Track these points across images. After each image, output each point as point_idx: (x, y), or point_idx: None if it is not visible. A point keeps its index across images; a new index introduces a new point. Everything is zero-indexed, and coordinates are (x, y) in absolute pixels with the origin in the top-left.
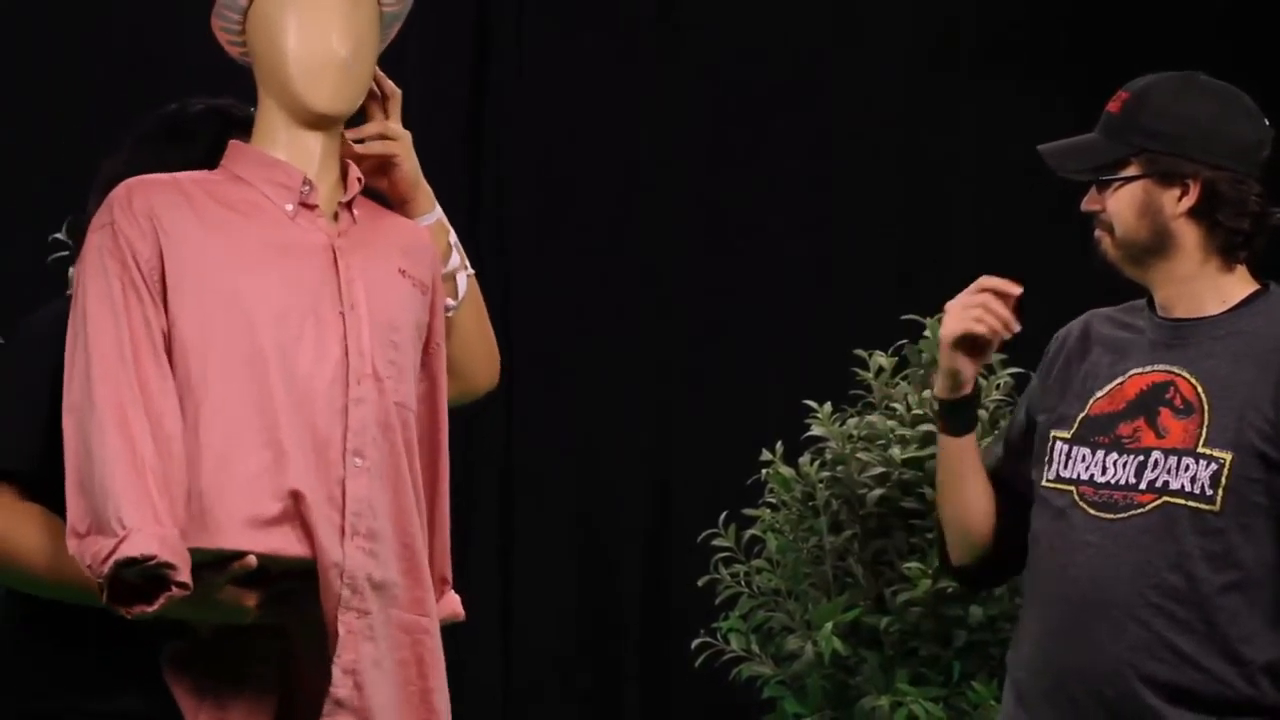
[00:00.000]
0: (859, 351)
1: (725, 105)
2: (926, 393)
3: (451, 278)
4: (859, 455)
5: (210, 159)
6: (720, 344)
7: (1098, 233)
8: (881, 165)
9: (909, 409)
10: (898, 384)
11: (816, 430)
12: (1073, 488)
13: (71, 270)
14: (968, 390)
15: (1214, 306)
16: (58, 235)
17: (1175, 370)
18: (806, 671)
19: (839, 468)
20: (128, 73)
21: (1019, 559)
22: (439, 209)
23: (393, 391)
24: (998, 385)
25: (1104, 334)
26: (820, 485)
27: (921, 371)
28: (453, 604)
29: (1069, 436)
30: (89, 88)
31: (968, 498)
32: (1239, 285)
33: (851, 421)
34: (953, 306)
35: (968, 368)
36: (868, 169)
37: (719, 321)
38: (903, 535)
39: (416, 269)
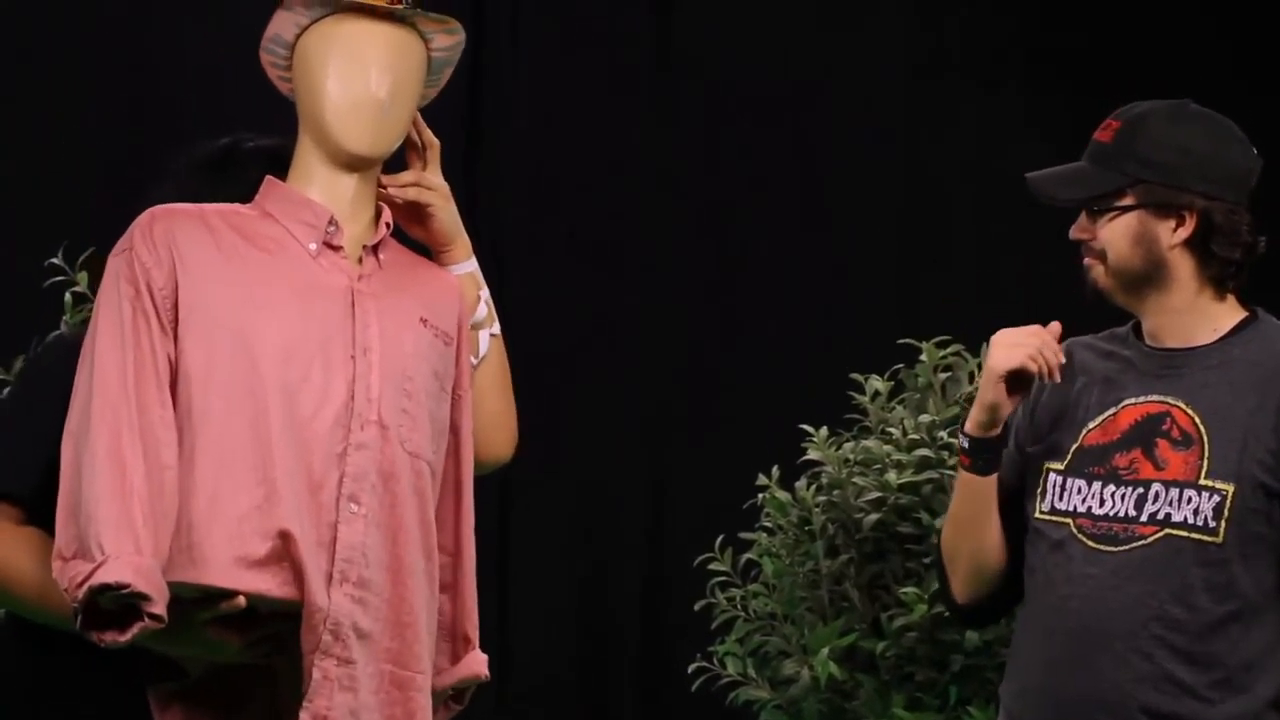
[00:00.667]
0: (855, 375)
1: (725, 123)
2: (923, 417)
3: (474, 333)
4: (855, 480)
5: (253, 197)
6: (717, 368)
7: (1088, 260)
8: (878, 189)
9: (905, 433)
10: (894, 408)
11: (812, 454)
12: (1070, 520)
13: (68, 295)
14: (999, 430)
15: (1205, 336)
16: (54, 260)
17: (1170, 400)
18: (803, 696)
19: (835, 492)
20: (127, 87)
21: (1020, 592)
22: (474, 261)
23: (403, 440)
24: None
25: (1089, 363)
26: (816, 510)
27: (918, 396)
28: (476, 664)
29: (1063, 468)
30: (88, 107)
31: (987, 536)
32: (1229, 313)
33: (848, 446)
34: (1002, 340)
35: (1008, 405)
36: (864, 192)
37: (716, 345)
38: (899, 560)
39: (440, 318)
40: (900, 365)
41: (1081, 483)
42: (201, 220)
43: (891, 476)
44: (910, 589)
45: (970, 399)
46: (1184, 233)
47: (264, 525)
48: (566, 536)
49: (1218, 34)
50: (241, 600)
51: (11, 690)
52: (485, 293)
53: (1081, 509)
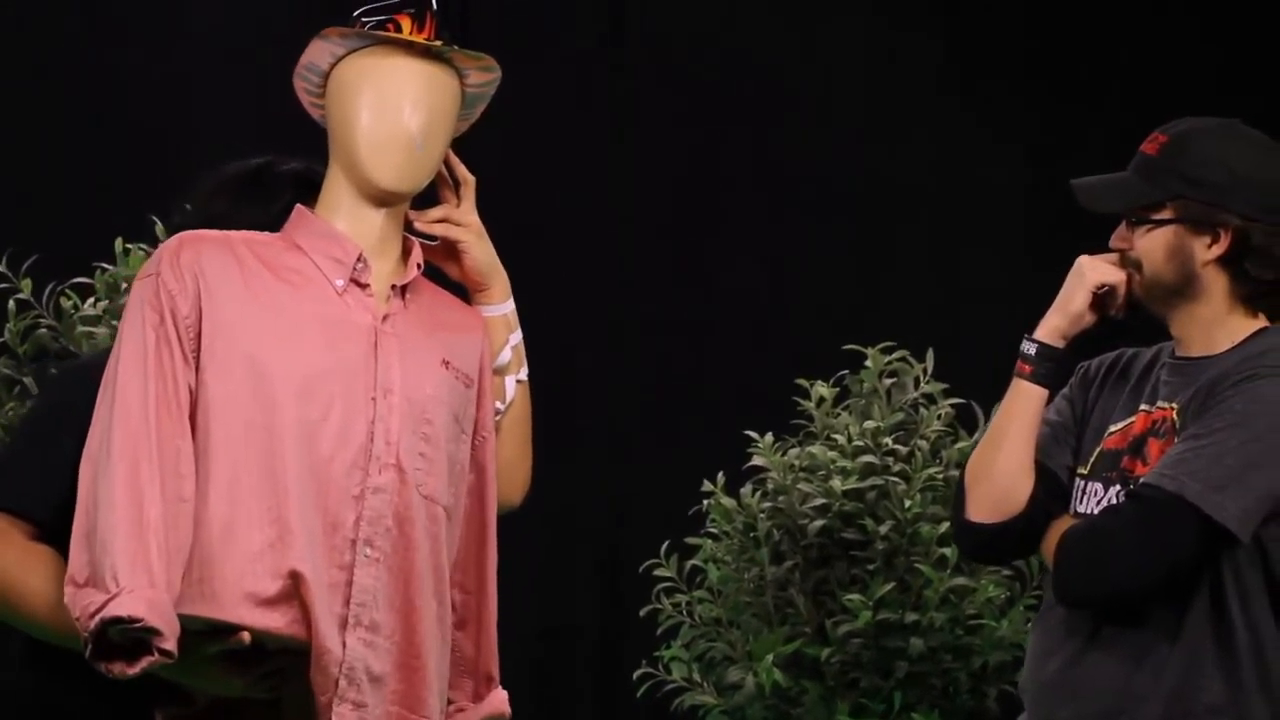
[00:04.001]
0: (801, 381)
1: (675, 137)
2: (868, 423)
3: (501, 379)
4: (800, 486)
5: (281, 220)
6: (663, 373)
7: (1126, 270)
8: (828, 195)
9: (850, 440)
10: (839, 414)
11: (758, 460)
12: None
13: (11, 302)
14: (1065, 344)
15: (1222, 347)
16: None
17: (1171, 405)
18: (748, 702)
19: (780, 498)
20: (75, 94)
21: (1028, 543)
22: (510, 304)
23: (419, 484)
24: (938, 415)
25: (1131, 371)
26: (761, 516)
27: (863, 401)
28: (498, 701)
29: (1086, 472)
30: (33, 114)
31: (1023, 454)
32: (1252, 327)
33: (793, 452)
34: (1093, 261)
35: (1088, 319)
36: (813, 199)
37: (662, 351)
38: (844, 566)
39: (462, 361)
40: (845, 371)
41: (1098, 486)
42: (229, 249)
43: (836, 483)
44: (855, 595)
45: (915, 405)
46: (1218, 250)
47: (275, 564)
48: (517, 545)
49: (1177, 34)
50: (247, 637)
51: (24, 711)
52: (516, 337)
53: (1095, 511)
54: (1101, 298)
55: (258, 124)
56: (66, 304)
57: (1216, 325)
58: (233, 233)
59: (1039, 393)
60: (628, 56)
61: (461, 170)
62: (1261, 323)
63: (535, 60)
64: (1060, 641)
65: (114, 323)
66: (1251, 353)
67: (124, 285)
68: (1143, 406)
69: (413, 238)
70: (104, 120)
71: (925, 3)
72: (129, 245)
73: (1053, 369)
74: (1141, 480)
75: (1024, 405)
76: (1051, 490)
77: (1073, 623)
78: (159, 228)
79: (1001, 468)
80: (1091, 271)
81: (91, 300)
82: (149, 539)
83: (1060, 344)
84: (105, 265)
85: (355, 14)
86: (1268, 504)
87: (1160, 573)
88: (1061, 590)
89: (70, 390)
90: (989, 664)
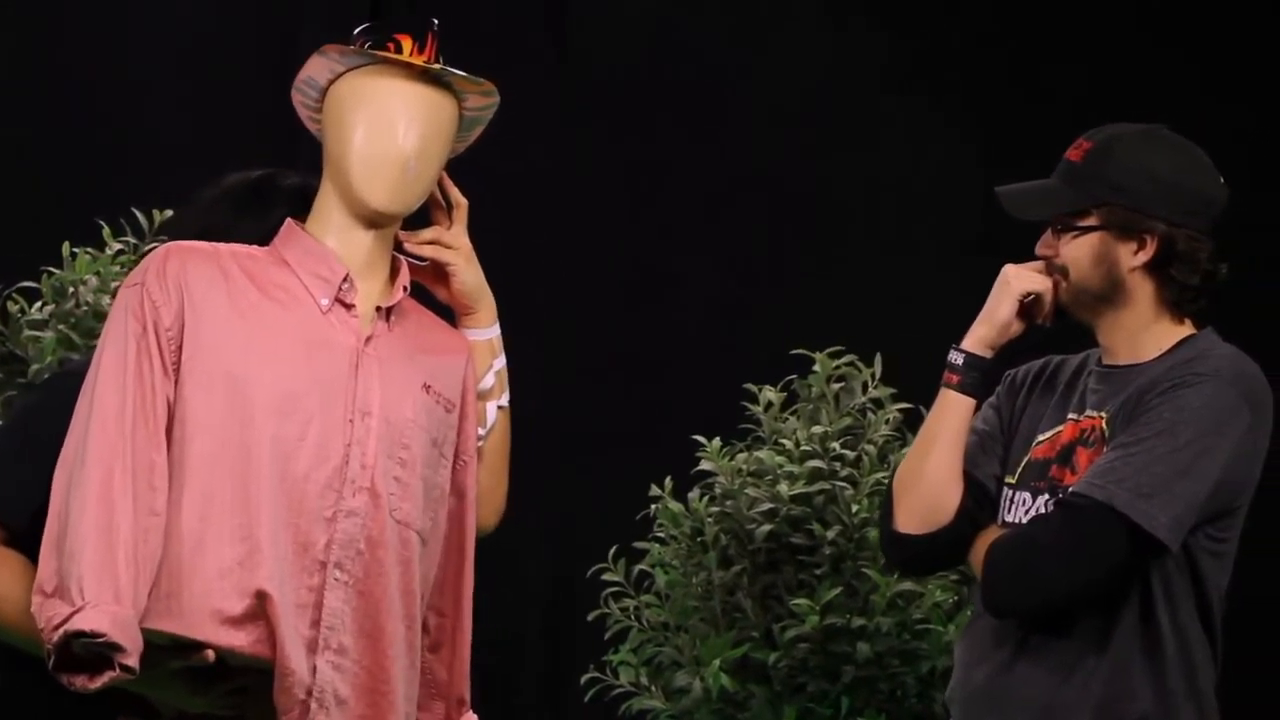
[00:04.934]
0: (749, 385)
1: (620, 136)
2: (816, 428)
3: (482, 404)
4: (748, 490)
5: (275, 234)
6: (611, 377)
7: (1053, 277)
8: (775, 199)
9: (798, 444)
10: (787, 419)
11: (706, 465)
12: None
13: None
14: (993, 354)
15: (1149, 354)
16: None
17: (1100, 414)
18: (695, 706)
19: (728, 503)
20: (29, 98)
21: (957, 552)
22: (496, 328)
23: (393, 509)
24: (886, 420)
25: (1057, 380)
26: (709, 520)
27: (810, 406)
28: None
29: (1014, 481)
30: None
31: (951, 463)
32: (1178, 334)
33: (740, 456)
34: (1018, 269)
35: (1016, 328)
36: (761, 204)
37: (610, 355)
38: (791, 571)
39: (444, 385)
40: (793, 376)
41: (1026, 495)
42: (215, 262)
43: (784, 487)
44: (802, 600)
45: (863, 409)
46: (1144, 256)
47: (243, 583)
48: None
49: (1126, 37)
50: (211, 655)
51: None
52: (499, 362)
53: (1023, 520)
54: (1028, 306)
55: (207, 130)
56: (13, 308)
57: (1143, 332)
58: (221, 245)
59: (967, 403)
60: (575, 61)
61: (455, 193)
62: (1188, 329)
63: (481, 64)
64: (988, 651)
65: (60, 327)
66: (1179, 360)
67: (70, 289)
68: (1071, 415)
69: (401, 258)
70: (51, 124)
71: (872, 7)
72: (76, 249)
73: (980, 379)
74: (1070, 489)
75: (952, 415)
76: (979, 500)
77: (1001, 632)
78: (106, 232)
79: (929, 478)
80: (1017, 280)
81: (38, 304)
82: (118, 552)
83: (988, 354)
84: (52, 270)
85: (355, 31)
86: (1196, 512)
87: (1089, 582)
88: (989, 600)
89: (50, 396)
90: (936, 669)
